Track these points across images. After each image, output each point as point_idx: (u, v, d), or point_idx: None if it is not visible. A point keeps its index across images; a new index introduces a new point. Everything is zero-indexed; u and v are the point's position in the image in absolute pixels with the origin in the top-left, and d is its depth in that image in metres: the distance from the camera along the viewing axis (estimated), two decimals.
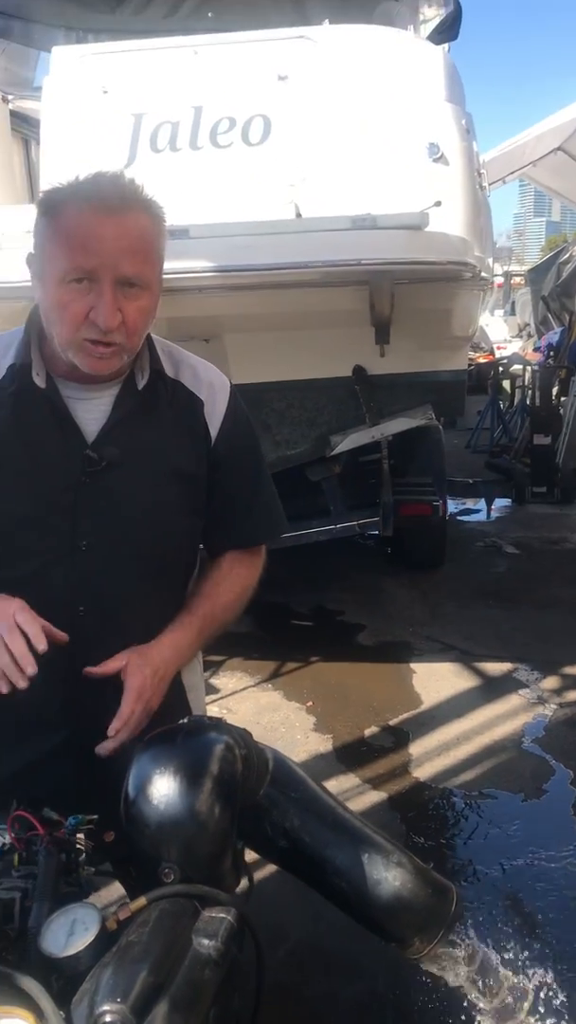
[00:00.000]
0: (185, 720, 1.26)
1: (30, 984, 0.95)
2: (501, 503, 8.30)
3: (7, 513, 1.43)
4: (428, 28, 5.44)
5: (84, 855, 1.23)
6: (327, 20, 4.47)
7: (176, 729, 1.22)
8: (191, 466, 1.51)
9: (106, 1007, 0.90)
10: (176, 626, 1.50)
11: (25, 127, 5.56)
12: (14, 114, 5.41)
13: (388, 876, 1.32)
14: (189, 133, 4.31)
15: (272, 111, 4.28)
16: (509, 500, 8.36)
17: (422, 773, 3.55)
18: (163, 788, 1.12)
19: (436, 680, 4.38)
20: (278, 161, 4.23)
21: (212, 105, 4.31)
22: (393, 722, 3.99)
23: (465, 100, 4.48)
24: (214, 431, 1.53)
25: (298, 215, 3.63)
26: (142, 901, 1.06)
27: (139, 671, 1.38)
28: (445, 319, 3.99)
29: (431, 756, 3.67)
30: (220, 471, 1.54)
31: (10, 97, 5.42)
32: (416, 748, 3.75)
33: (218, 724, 1.24)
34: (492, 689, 4.28)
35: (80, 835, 1.25)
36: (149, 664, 1.40)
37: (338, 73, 4.26)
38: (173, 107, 4.32)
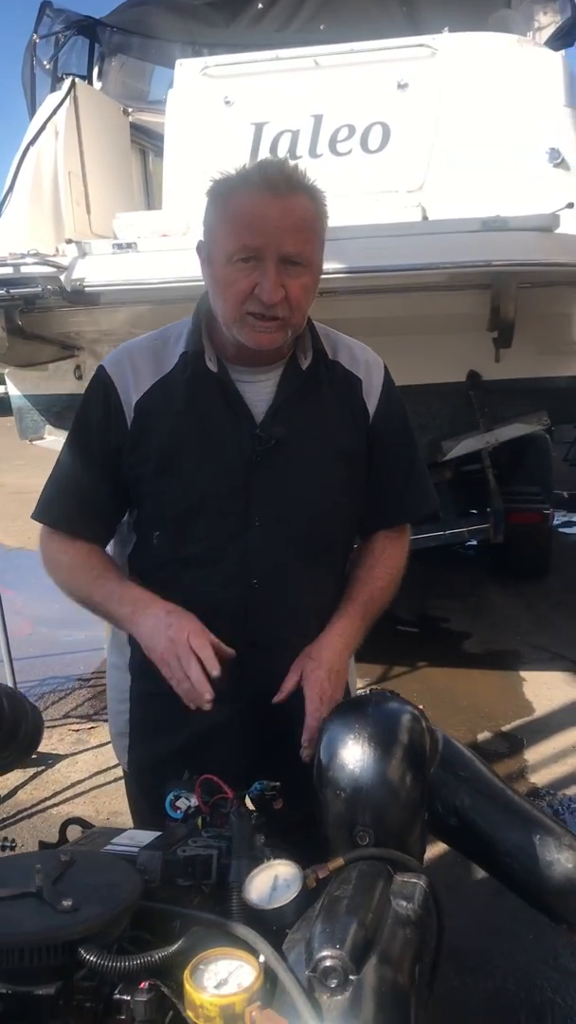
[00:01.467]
0: (368, 691, 1.29)
1: (247, 932, 0.99)
2: None
3: (191, 494, 1.50)
4: (543, 35, 5.43)
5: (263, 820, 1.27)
6: (447, 28, 4.50)
7: (364, 699, 1.26)
8: (353, 444, 1.57)
9: (327, 952, 0.93)
10: (341, 615, 1.55)
11: (143, 138, 5.74)
12: (133, 126, 5.58)
13: (560, 858, 1.32)
14: (309, 141, 4.39)
15: (391, 118, 4.33)
16: None
17: (539, 779, 3.52)
18: (357, 754, 1.16)
19: (547, 688, 4.33)
20: (397, 167, 4.28)
21: (332, 114, 4.38)
22: (506, 728, 3.97)
23: None
24: (371, 409, 1.58)
25: (424, 218, 3.66)
26: (340, 861, 1.10)
27: (315, 677, 1.44)
28: (566, 323, 3.95)
29: (547, 763, 3.63)
30: (376, 448, 1.59)
31: (130, 110, 5.60)
32: (531, 755, 3.72)
33: (401, 698, 1.27)
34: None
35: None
36: (323, 666, 1.45)
37: (458, 80, 4.28)
38: (293, 116, 4.41)
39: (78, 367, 4.61)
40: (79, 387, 4.66)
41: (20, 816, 3.34)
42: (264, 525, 1.51)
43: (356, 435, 1.58)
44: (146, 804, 1.63)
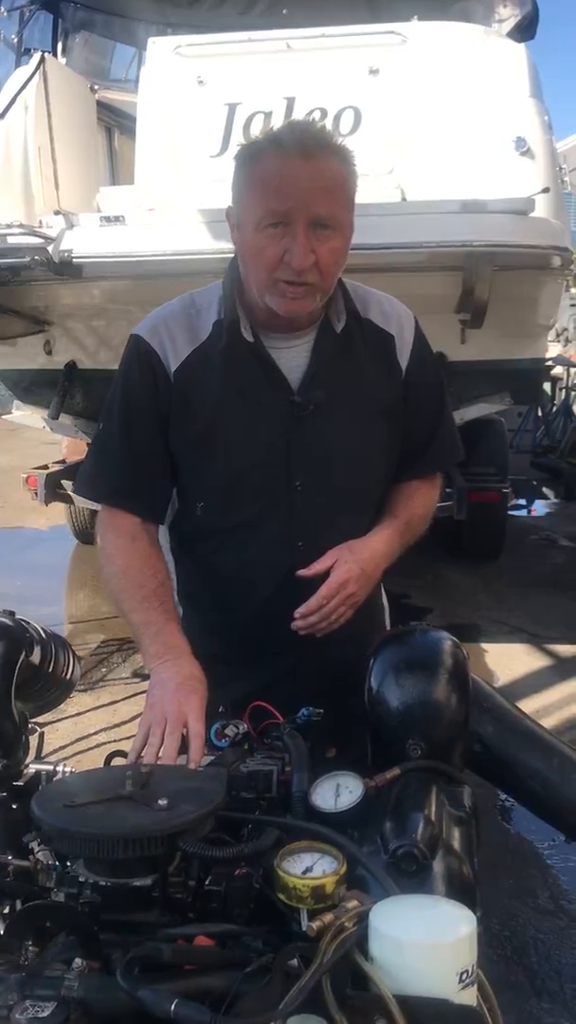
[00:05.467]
0: (412, 624, 1.39)
1: (323, 828, 1.08)
2: (548, 500, 8.40)
3: (235, 463, 1.52)
4: (505, 27, 5.56)
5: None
6: (415, 16, 4.60)
7: (407, 630, 1.35)
8: (389, 401, 1.58)
9: (403, 842, 1.03)
10: (383, 525, 1.56)
11: (109, 116, 5.74)
12: (99, 103, 5.58)
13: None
14: (281, 123, 4.45)
15: (363, 103, 4.42)
16: (556, 498, 8.46)
17: None
18: (407, 676, 1.26)
19: (508, 659, 4.50)
20: (368, 151, 4.36)
21: (304, 96, 4.45)
22: None
23: (544, 96, 4.61)
24: (404, 364, 1.58)
25: (403, 199, 3.77)
26: (396, 771, 1.19)
27: (346, 568, 1.45)
28: (532, 307, 4.10)
29: None
30: (410, 402, 1.60)
31: (96, 87, 5.60)
32: None
33: (442, 631, 1.37)
34: (565, 669, 4.39)
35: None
36: (358, 561, 1.47)
37: (428, 68, 4.39)
38: (266, 98, 4.47)
39: (48, 342, 4.62)
40: (48, 362, 4.67)
41: None
42: (306, 488, 1.52)
43: (392, 392, 1.58)
44: None
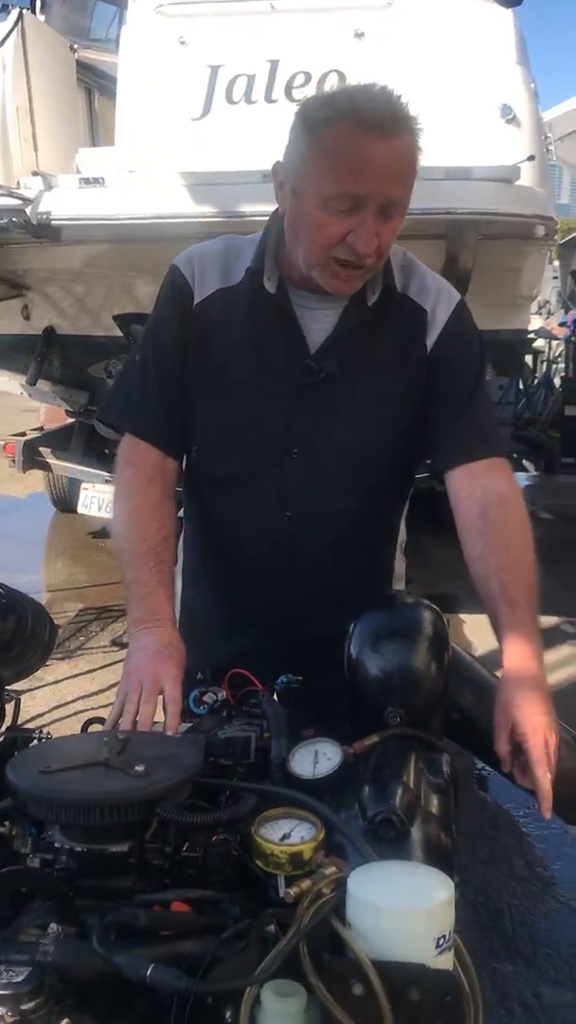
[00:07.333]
0: (394, 592, 1.38)
1: (300, 795, 1.07)
2: (528, 473, 8.41)
3: (234, 415, 1.49)
4: None
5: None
6: None
7: (392, 598, 1.35)
8: (406, 386, 1.49)
9: (381, 808, 1.03)
10: (520, 637, 1.40)
11: (89, 76, 5.64)
12: (79, 63, 5.48)
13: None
14: (265, 86, 4.39)
15: (348, 67, 4.35)
16: (536, 470, 8.47)
17: None
18: (386, 644, 1.25)
19: (486, 630, 4.45)
20: None
21: (288, 59, 4.38)
22: None
23: (530, 65, 4.56)
24: (430, 342, 1.49)
25: None
26: (375, 738, 1.19)
27: (536, 739, 1.24)
28: (515, 277, 4.09)
29: None
30: (436, 381, 1.49)
31: (76, 47, 5.49)
32: None
33: (425, 600, 1.36)
34: (543, 640, 4.40)
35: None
36: (540, 726, 1.25)
37: (413, 32, 4.33)
38: (249, 60, 4.40)
39: (26, 307, 4.57)
40: (26, 328, 4.62)
41: None
42: (302, 458, 1.48)
43: (412, 374, 1.49)
44: None
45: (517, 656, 1.36)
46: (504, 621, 1.40)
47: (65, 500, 6.38)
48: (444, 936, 0.81)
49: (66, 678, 3.98)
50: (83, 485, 5.09)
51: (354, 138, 1.26)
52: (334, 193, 1.28)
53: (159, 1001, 0.87)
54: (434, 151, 3.89)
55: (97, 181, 3.47)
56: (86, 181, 3.50)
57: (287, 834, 0.99)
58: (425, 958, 0.80)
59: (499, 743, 1.27)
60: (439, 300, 1.51)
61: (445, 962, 0.82)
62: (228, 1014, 0.83)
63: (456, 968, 0.84)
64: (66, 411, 5.39)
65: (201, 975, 0.84)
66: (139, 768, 1.02)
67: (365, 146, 1.26)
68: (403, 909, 0.82)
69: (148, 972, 0.81)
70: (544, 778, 1.22)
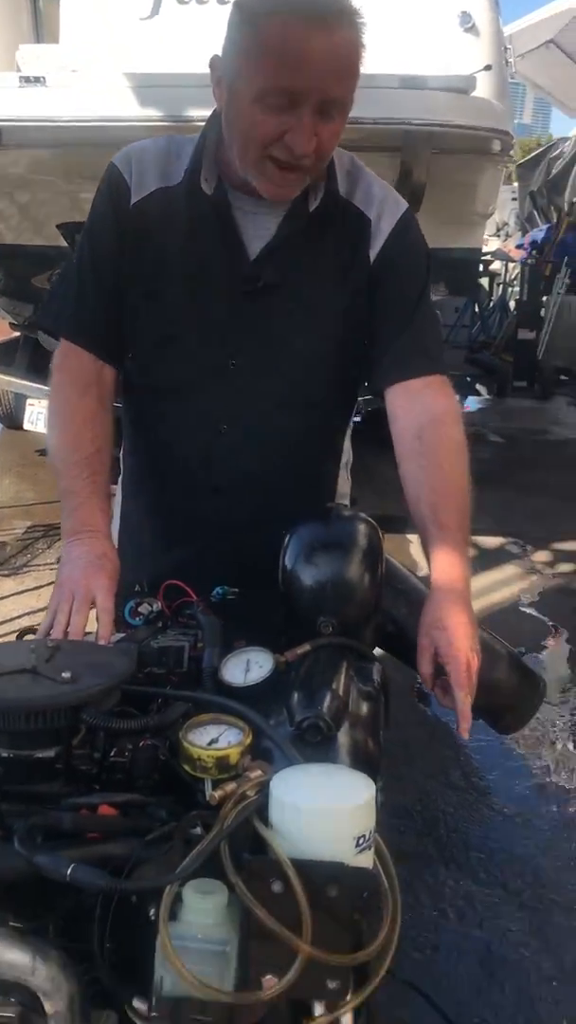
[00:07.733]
0: (329, 504, 1.37)
1: (229, 701, 1.07)
2: (481, 397, 8.45)
3: (169, 322, 1.43)
4: None
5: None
6: None
7: (327, 511, 1.34)
8: (349, 298, 1.44)
9: (308, 713, 1.03)
10: (441, 550, 1.37)
11: None
12: None
13: (486, 659, 1.47)
14: None
15: None
16: (488, 394, 8.51)
17: None
18: (320, 555, 1.25)
19: None
20: None
21: None
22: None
23: None
24: (374, 252, 1.42)
25: None
26: (307, 647, 1.19)
27: (458, 662, 1.23)
28: (470, 193, 4.02)
29: None
30: (378, 294, 1.43)
31: None
32: None
33: (360, 513, 1.36)
34: (487, 560, 4.49)
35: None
36: (462, 648, 1.24)
37: None
38: None
39: None
40: None
41: None
42: (239, 370, 1.43)
43: (356, 286, 1.43)
44: None
45: (444, 578, 1.33)
46: (433, 543, 1.38)
47: (11, 416, 6.24)
48: (364, 836, 0.83)
49: (12, 594, 3.96)
50: (28, 401, 4.97)
51: (292, 30, 1.18)
52: (270, 87, 1.21)
53: (85, 902, 0.88)
54: (389, 59, 3.81)
55: (38, 80, 3.30)
56: (26, 79, 3.32)
57: (215, 739, 0.99)
58: (345, 857, 0.81)
59: (422, 664, 1.27)
60: (384, 209, 1.44)
61: (365, 861, 0.83)
62: (151, 912, 0.84)
63: (376, 866, 0.85)
64: (10, 324, 5.24)
65: (125, 875, 0.85)
66: (66, 675, 1.01)
67: (303, 38, 1.18)
68: (323, 808, 0.83)
69: (68, 871, 0.81)
70: (464, 701, 1.21)
